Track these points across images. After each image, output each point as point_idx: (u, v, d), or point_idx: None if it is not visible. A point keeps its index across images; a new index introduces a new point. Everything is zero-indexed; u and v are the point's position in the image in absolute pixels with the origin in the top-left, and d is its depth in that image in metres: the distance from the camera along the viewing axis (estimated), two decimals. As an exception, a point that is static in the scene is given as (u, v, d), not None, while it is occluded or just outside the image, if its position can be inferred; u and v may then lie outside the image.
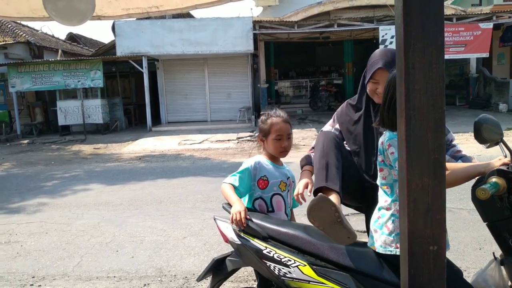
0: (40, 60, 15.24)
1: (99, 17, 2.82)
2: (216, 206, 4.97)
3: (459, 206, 4.58)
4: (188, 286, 3.10)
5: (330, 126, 2.28)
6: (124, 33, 14.34)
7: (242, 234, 1.85)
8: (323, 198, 1.58)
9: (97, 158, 10.06)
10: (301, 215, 3.53)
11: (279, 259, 1.72)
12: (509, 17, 13.97)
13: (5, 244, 4.18)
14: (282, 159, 2.17)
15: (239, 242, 1.86)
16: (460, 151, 2.05)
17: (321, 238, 1.74)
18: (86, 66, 14.16)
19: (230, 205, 1.93)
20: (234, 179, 2.02)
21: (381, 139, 1.67)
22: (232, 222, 1.86)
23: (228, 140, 11.54)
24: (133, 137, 13.13)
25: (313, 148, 2.25)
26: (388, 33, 13.29)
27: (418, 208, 1.15)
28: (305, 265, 1.68)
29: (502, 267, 1.63)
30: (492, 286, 1.64)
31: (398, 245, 1.54)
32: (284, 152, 2.09)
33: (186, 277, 3.25)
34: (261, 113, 2.26)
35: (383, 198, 1.67)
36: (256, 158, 2.11)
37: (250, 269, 2.10)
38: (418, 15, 1.09)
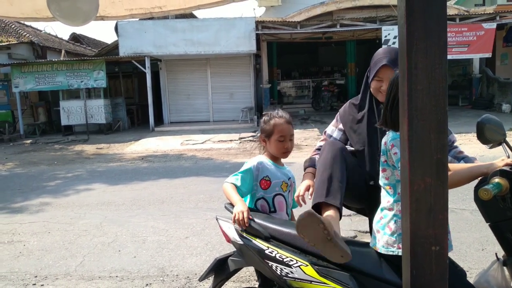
0: (43, 60, 15.29)
1: (102, 18, 2.83)
2: (218, 206, 4.97)
3: (462, 206, 4.57)
4: (190, 286, 3.10)
5: (333, 126, 2.27)
6: (127, 33, 14.38)
7: (244, 234, 1.85)
8: (310, 215, 1.48)
9: (99, 158, 10.08)
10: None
11: (281, 259, 1.72)
12: (513, 17, 13.93)
13: (8, 244, 4.19)
14: (284, 159, 2.18)
15: (241, 242, 1.86)
16: (462, 152, 2.04)
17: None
18: (89, 66, 14.20)
19: (232, 205, 1.94)
20: (236, 178, 2.02)
21: (384, 139, 1.67)
22: (234, 222, 1.86)
23: (231, 140, 11.55)
24: (136, 137, 13.16)
25: (317, 150, 2.25)
26: (391, 33, 13.27)
27: (420, 208, 1.14)
28: (307, 265, 1.68)
29: (505, 268, 1.63)
30: (494, 287, 1.64)
31: (400, 246, 1.53)
32: (286, 153, 2.10)
33: (188, 277, 3.26)
34: (263, 113, 2.25)
35: (386, 199, 1.67)
36: (258, 158, 2.11)
37: (252, 269, 2.10)
38: (421, 15, 1.08)
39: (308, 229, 1.49)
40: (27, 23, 17.65)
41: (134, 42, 14.33)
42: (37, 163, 9.51)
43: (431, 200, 1.14)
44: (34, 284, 3.25)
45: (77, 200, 5.83)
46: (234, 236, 1.90)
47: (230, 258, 2.00)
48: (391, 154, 1.61)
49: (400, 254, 1.53)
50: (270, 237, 1.80)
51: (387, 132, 1.68)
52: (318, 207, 1.76)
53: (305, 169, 2.18)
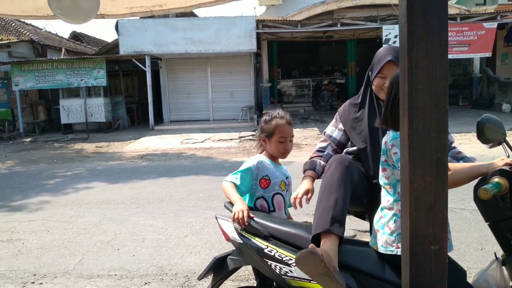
0: (43, 58, 15.30)
1: (103, 16, 2.82)
2: (218, 205, 4.97)
3: (461, 206, 4.57)
4: (189, 285, 3.10)
5: (333, 126, 2.26)
6: (128, 32, 14.37)
7: (243, 233, 1.85)
8: (312, 253, 1.48)
9: (99, 156, 10.08)
10: (302, 214, 3.53)
11: (280, 258, 1.72)
12: (514, 17, 13.93)
13: (7, 242, 4.19)
14: (283, 158, 2.18)
15: (241, 241, 1.86)
16: (460, 152, 2.04)
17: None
18: (89, 65, 14.19)
19: (231, 204, 1.94)
20: (235, 177, 2.02)
21: (384, 139, 1.67)
22: (233, 220, 1.86)
23: (230, 139, 11.55)
24: (136, 135, 13.16)
25: (317, 151, 2.23)
26: (391, 33, 13.26)
27: (420, 207, 1.14)
28: (306, 264, 1.67)
29: (504, 268, 1.63)
30: (493, 287, 1.63)
31: (400, 245, 1.53)
32: (285, 153, 2.11)
33: (187, 275, 3.26)
34: (263, 112, 2.24)
35: (386, 198, 1.67)
36: (258, 157, 2.12)
37: (251, 268, 2.10)
38: (422, 14, 1.08)
39: (308, 264, 1.50)
40: (27, 21, 17.61)
41: (134, 40, 14.33)
42: (37, 162, 9.51)
43: (431, 199, 1.14)
44: (33, 283, 3.25)
45: (76, 199, 5.83)
46: (234, 235, 1.90)
47: (229, 257, 2.00)
48: (391, 154, 1.60)
49: (399, 253, 1.53)
50: (269, 236, 1.80)
51: (387, 132, 1.68)
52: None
53: (304, 172, 2.16)
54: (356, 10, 15.92)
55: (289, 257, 1.71)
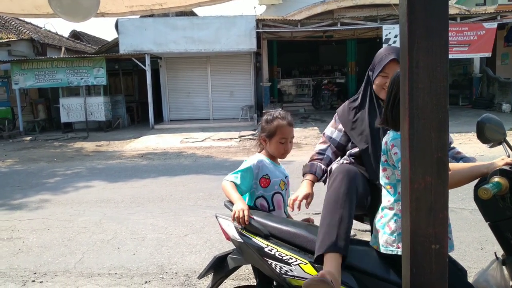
0: (43, 57, 15.28)
1: (102, 14, 2.82)
2: (218, 204, 4.98)
3: (461, 206, 4.57)
4: (189, 284, 3.10)
5: (332, 127, 2.24)
6: (127, 30, 14.35)
7: (243, 232, 1.85)
8: (323, 282, 1.48)
9: (99, 155, 10.08)
10: (302, 213, 3.53)
11: (280, 257, 1.73)
12: (514, 17, 13.92)
13: (7, 240, 4.20)
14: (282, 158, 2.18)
15: (241, 240, 1.86)
16: (460, 152, 2.04)
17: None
18: (89, 64, 14.18)
19: (232, 203, 1.94)
20: (235, 177, 2.02)
21: (384, 139, 1.67)
22: (234, 219, 1.86)
23: (230, 139, 11.55)
24: (136, 134, 13.15)
25: (318, 154, 2.21)
26: (391, 32, 13.24)
27: (420, 207, 1.14)
28: (306, 263, 1.68)
29: (504, 267, 1.63)
30: (493, 286, 1.64)
31: (400, 245, 1.53)
32: (285, 154, 2.12)
33: (187, 274, 3.26)
34: (263, 111, 2.24)
35: (386, 198, 1.67)
36: (258, 156, 2.12)
37: (251, 267, 2.10)
38: (423, 14, 1.08)
39: None
40: (27, 20, 17.63)
41: (134, 39, 14.31)
42: (37, 160, 9.51)
43: (431, 199, 1.14)
44: (33, 281, 3.25)
45: (76, 197, 5.83)
46: (234, 234, 1.90)
47: (229, 256, 2.00)
48: (391, 154, 1.60)
49: (399, 253, 1.53)
50: (269, 235, 1.80)
51: (388, 132, 1.68)
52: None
53: (303, 175, 2.15)
54: (356, 9, 15.92)
55: (289, 256, 1.71)
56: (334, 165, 2.12)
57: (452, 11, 14.22)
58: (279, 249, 1.74)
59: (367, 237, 1.82)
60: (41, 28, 19.94)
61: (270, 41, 16.43)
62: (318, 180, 2.15)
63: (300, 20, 14.59)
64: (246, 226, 1.84)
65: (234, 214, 1.85)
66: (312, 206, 2.11)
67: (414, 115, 1.11)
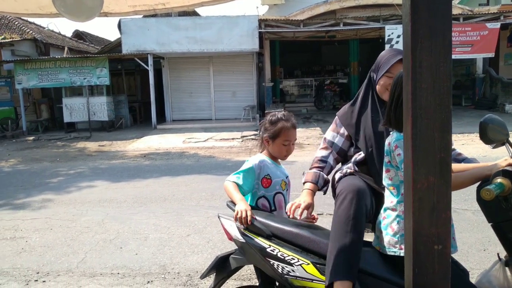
0: (46, 57, 15.33)
1: (106, 14, 2.83)
2: (220, 204, 4.98)
3: (464, 207, 4.56)
4: (191, 284, 3.11)
5: (333, 132, 2.18)
6: (130, 30, 14.38)
7: (246, 232, 1.86)
8: None
9: (102, 155, 10.10)
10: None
11: (282, 258, 1.73)
12: (517, 17, 13.87)
13: (10, 240, 4.21)
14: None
15: (243, 240, 1.86)
16: (460, 154, 2.03)
17: (324, 237, 1.74)
18: (92, 64, 14.22)
19: (234, 203, 1.94)
20: (237, 177, 2.02)
21: (388, 140, 1.66)
22: (236, 220, 1.86)
23: (233, 139, 11.55)
24: (138, 134, 13.18)
25: (319, 161, 2.15)
26: (394, 32, 13.21)
27: (423, 207, 1.14)
28: (308, 264, 1.68)
29: (507, 268, 1.62)
30: (496, 287, 1.63)
31: (402, 246, 1.53)
32: (287, 156, 2.14)
33: (189, 274, 3.26)
34: (266, 112, 2.23)
35: (389, 199, 1.67)
36: (259, 157, 2.12)
37: (253, 267, 2.10)
38: (426, 14, 1.08)
39: None
40: (30, 19, 17.69)
41: (137, 39, 14.34)
42: (40, 160, 9.53)
43: (434, 199, 1.13)
44: (36, 280, 3.26)
45: (79, 197, 5.85)
46: (236, 234, 1.90)
47: (231, 256, 2.00)
48: (394, 155, 1.60)
49: (401, 254, 1.53)
50: (272, 236, 1.80)
51: (391, 133, 1.67)
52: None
53: (304, 183, 2.10)
54: (358, 9, 15.90)
55: (291, 257, 1.71)
56: (337, 175, 2.06)
57: (455, 11, 14.18)
58: (281, 249, 1.74)
59: (369, 238, 1.82)
60: (44, 28, 20.00)
61: (272, 41, 16.43)
62: (319, 189, 2.13)
63: (303, 20, 14.58)
64: (249, 226, 1.84)
65: (237, 214, 1.85)
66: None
67: (417, 115, 1.11)
